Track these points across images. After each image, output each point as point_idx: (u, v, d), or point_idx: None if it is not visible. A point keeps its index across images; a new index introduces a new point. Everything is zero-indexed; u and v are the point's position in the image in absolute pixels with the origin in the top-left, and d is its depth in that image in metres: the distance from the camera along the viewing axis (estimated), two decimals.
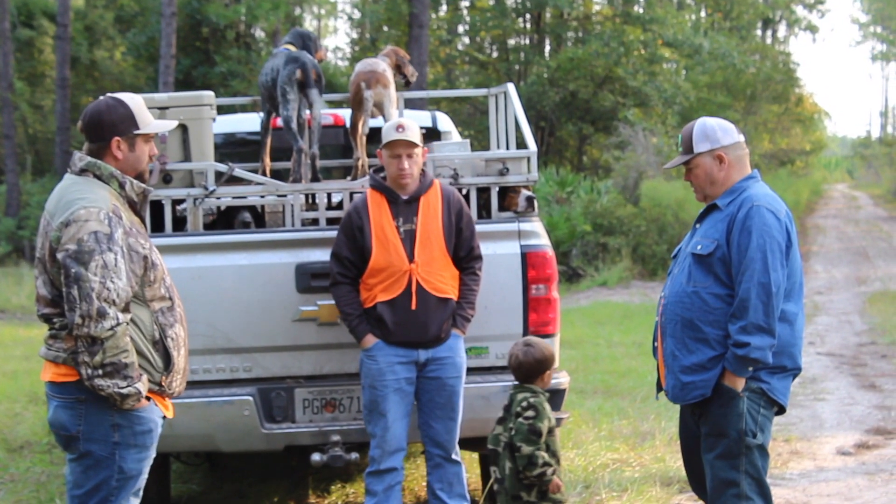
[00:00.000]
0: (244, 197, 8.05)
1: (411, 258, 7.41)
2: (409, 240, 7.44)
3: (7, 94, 38.25)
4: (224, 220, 8.29)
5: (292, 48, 8.65)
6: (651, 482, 9.31)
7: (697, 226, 6.49)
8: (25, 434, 11.79)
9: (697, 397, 6.25)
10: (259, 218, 8.40)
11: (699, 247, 6.29)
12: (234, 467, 10.36)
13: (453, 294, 7.53)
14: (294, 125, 8.29)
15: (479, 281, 7.61)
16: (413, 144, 7.44)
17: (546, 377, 7.03)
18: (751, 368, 6.13)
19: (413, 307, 7.42)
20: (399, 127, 7.41)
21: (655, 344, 6.55)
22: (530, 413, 6.85)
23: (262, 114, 8.93)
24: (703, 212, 6.48)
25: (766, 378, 6.23)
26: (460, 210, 7.57)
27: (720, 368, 6.19)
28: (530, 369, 7.00)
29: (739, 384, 6.17)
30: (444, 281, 7.49)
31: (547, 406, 6.95)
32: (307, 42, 8.78)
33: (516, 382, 7.08)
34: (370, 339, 7.45)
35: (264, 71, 8.61)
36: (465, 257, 7.57)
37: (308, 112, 8.45)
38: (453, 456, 7.61)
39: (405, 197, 7.49)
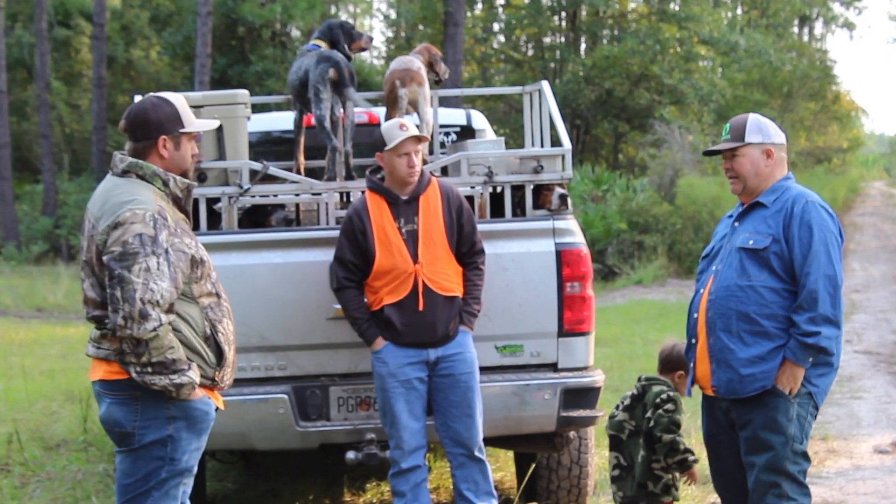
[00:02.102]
0: (276, 195, 8.05)
1: (415, 259, 7.39)
2: (411, 240, 7.41)
3: (44, 93, 38.54)
4: (250, 218, 8.29)
5: (322, 44, 8.63)
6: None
7: (737, 224, 6.46)
8: (62, 432, 11.84)
9: (758, 389, 6.20)
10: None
11: (751, 241, 6.27)
12: (268, 465, 10.38)
13: (459, 291, 7.51)
14: (328, 124, 8.26)
15: (482, 275, 7.58)
16: (420, 139, 7.45)
17: (678, 377, 6.99)
18: (811, 358, 6.13)
19: (420, 308, 7.40)
20: (402, 126, 7.40)
21: (693, 341, 6.51)
22: (670, 406, 6.83)
23: (295, 112, 8.92)
24: (745, 210, 6.45)
25: (815, 381, 6.25)
26: (460, 206, 7.54)
27: (780, 360, 6.17)
28: (669, 361, 7.02)
29: (799, 375, 6.15)
30: (449, 279, 7.47)
31: (682, 401, 6.97)
32: (335, 34, 8.73)
33: (648, 376, 7.07)
34: (380, 342, 7.43)
35: (293, 69, 8.59)
36: (467, 253, 7.54)
37: (342, 110, 8.44)
38: (476, 454, 7.54)
39: (405, 197, 7.46)
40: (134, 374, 5.57)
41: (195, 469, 5.87)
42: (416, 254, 7.39)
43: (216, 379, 5.82)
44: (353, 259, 7.40)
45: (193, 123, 5.90)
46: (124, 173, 5.77)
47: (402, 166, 7.41)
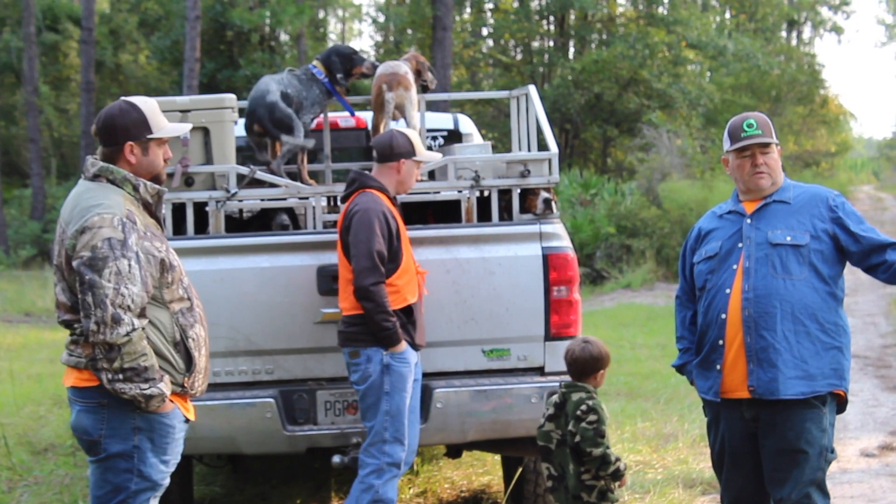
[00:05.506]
0: (263, 199, 8.07)
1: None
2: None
3: (32, 97, 38.50)
4: (260, 222, 8.33)
5: (320, 66, 8.64)
6: (674, 484, 9.30)
7: (750, 221, 6.33)
8: (49, 437, 11.83)
9: (797, 395, 6.11)
10: (295, 220, 8.45)
11: (788, 238, 6.21)
12: (256, 469, 10.38)
13: None
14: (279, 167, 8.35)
15: None
16: None
17: (599, 377, 6.77)
18: None
19: (422, 310, 7.47)
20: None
21: (720, 342, 6.29)
22: (593, 417, 6.58)
23: None
24: (760, 207, 6.36)
25: (847, 377, 6.26)
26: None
27: (822, 367, 6.16)
28: (585, 366, 6.72)
29: None
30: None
31: (604, 406, 6.73)
32: (332, 62, 8.68)
33: (568, 380, 6.82)
34: (405, 343, 7.34)
35: (255, 87, 8.56)
36: None
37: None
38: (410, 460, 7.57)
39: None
40: (105, 382, 5.54)
41: (166, 483, 5.85)
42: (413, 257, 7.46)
43: (185, 385, 5.79)
44: (386, 255, 7.28)
45: (163, 128, 5.85)
46: (95, 177, 5.75)
47: (413, 180, 7.61)
